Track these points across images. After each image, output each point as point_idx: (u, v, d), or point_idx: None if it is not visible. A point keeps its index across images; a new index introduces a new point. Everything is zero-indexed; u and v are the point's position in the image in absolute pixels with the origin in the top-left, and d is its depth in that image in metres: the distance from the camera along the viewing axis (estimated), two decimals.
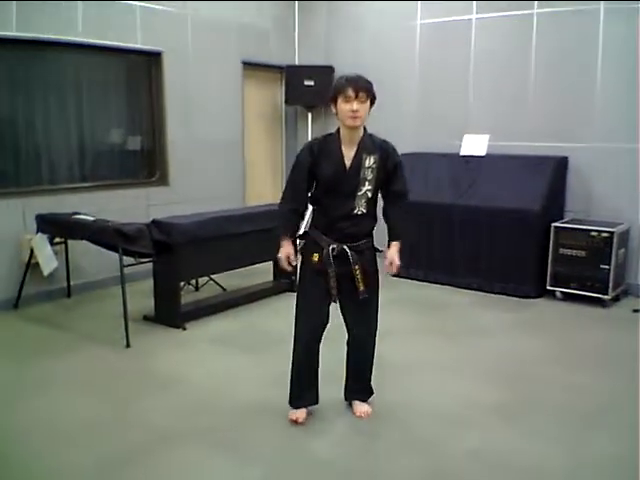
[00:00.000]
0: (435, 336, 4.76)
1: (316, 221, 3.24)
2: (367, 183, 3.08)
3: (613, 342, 4.65)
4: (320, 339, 3.29)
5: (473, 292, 5.95)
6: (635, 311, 5.30)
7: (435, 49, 6.80)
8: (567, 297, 5.67)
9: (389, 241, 3.31)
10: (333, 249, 3.12)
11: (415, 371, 4.06)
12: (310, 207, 3.29)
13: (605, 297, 5.44)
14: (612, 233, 5.38)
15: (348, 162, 3.07)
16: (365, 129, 3.14)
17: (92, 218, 4.85)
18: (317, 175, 3.13)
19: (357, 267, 3.12)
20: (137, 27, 5.99)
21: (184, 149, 6.53)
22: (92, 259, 5.58)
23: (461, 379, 3.96)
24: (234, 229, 5.11)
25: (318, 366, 3.36)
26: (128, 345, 4.42)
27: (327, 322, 3.26)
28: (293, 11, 7.75)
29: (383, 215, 3.30)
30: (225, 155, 7.05)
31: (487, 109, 6.50)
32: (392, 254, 3.26)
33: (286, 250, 3.25)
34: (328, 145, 3.12)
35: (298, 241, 3.42)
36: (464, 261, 6.05)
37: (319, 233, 3.18)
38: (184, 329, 4.80)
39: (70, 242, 5.36)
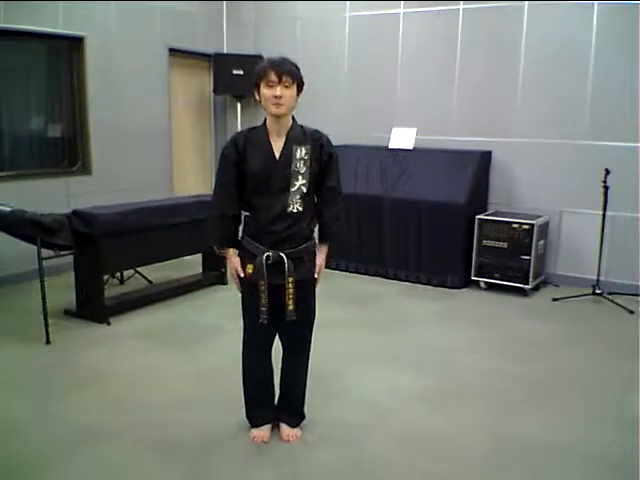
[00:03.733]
0: (363, 327, 4.81)
1: (248, 227, 2.91)
2: (300, 177, 2.79)
3: (534, 330, 4.82)
4: (270, 356, 3.07)
5: (401, 283, 6.04)
6: (555, 300, 5.51)
7: (364, 42, 6.83)
8: (491, 287, 5.84)
9: (319, 243, 3.01)
10: (268, 257, 2.80)
11: (342, 362, 4.09)
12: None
13: (526, 287, 5.64)
14: (532, 225, 5.58)
15: (277, 154, 2.80)
16: (294, 118, 2.87)
17: (9, 209, 4.62)
18: (245, 171, 2.82)
19: (291, 280, 2.80)
20: (59, 11, 5.74)
21: (108, 137, 6.32)
22: (10, 251, 5.31)
23: (387, 369, 4.02)
24: (161, 220, 4.99)
25: (273, 383, 3.15)
26: (48, 341, 4.24)
27: (274, 336, 3.02)
28: None
29: (315, 214, 2.97)
30: (151, 144, 6.86)
31: (415, 103, 6.59)
32: (319, 260, 2.98)
33: (233, 264, 2.92)
34: (254, 137, 2.83)
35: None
36: (392, 253, 6.14)
37: (252, 240, 2.86)
38: (108, 324, 4.66)
39: None
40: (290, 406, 3.18)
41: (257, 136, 2.85)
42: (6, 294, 5.32)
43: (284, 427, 3.15)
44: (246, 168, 2.82)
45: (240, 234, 2.98)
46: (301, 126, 2.89)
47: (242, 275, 2.90)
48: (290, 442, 3.09)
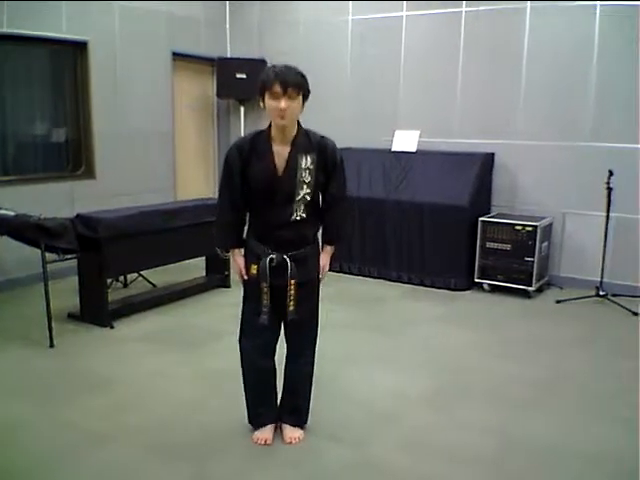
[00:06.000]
0: (367, 329, 4.81)
1: (252, 228, 2.93)
2: (305, 186, 2.77)
3: (538, 332, 4.81)
4: (272, 354, 3.04)
5: (404, 285, 6.04)
6: (558, 302, 5.50)
7: (367, 45, 6.84)
8: (494, 289, 5.84)
9: (323, 245, 3.05)
10: (272, 259, 2.83)
11: (346, 364, 4.09)
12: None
13: (529, 289, 5.63)
14: (536, 227, 5.57)
15: (281, 163, 2.76)
16: (299, 124, 2.82)
17: (13, 213, 4.64)
18: (249, 178, 2.80)
19: (293, 282, 2.82)
20: (63, 16, 5.77)
21: (112, 142, 6.34)
22: (14, 256, 5.34)
23: (392, 371, 4.01)
24: (164, 224, 5.00)
25: (275, 381, 3.12)
26: (52, 345, 4.25)
27: (277, 336, 3.03)
28: (224, 2, 7.64)
29: (319, 217, 2.99)
30: (155, 148, 6.88)
31: (417, 106, 6.60)
32: (323, 260, 3.03)
33: (238, 264, 2.94)
34: (259, 146, 2.79)
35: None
36: (396, 255, 6.14)
37: (256, 242, 2.88)
38: (112, 327, 4.67)
39: None
40: (293, 406, 3.16)
41: (261, 145, 2.80)
42: (10, 298, 5.33)
43: (286, 429, 3.14)
44: (250, 176, 2.81)
45: (245, 233, 2.99)
46: (307, 132, 2.85)
47: (246, 277, 2.93)
48: (293, 445, 3.09)
